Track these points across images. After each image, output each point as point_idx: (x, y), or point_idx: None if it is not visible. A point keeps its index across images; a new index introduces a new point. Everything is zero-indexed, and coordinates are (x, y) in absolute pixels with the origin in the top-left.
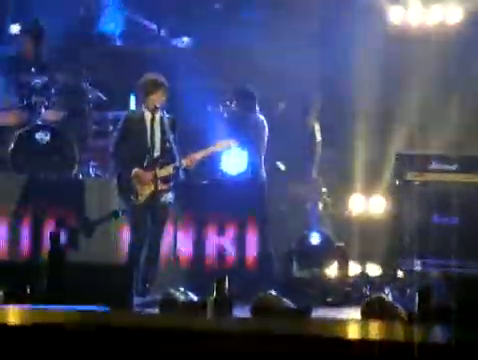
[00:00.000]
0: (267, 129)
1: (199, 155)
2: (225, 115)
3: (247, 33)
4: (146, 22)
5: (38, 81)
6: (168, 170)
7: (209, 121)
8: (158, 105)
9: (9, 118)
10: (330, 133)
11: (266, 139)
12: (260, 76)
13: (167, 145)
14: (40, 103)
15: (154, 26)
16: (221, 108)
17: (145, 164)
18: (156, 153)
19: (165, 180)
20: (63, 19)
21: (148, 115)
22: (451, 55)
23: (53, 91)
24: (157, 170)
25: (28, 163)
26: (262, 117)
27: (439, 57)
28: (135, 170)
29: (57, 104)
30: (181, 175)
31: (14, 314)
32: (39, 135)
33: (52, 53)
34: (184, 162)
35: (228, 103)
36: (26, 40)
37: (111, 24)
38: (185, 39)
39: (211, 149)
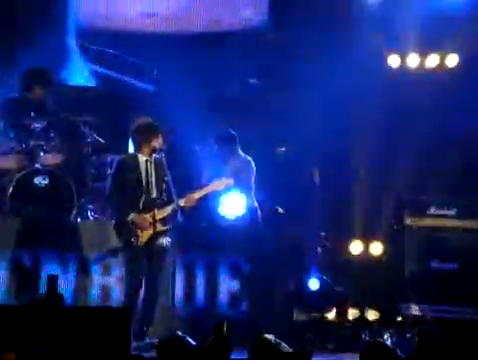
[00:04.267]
0: (254, 169)
1: (197, 194)
2: (210, 158)
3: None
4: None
5: (38, 125)
6: (166, 211)
7: (198, 161)
8: (157, 147)
9: (8, 162)
10: (329, 178)
11: (252, 179)
12: (261, 119)
13: (163, 186)
14: (39, 147)
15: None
16: (207, 149)
17: (142, 206)
18: (153, 195)
19: (163, 222)
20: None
21: (143, 158)
22: (448, 99)
23: (52, 135)
24: (155, 211)
25: (26, 207)
26: (248, 158)
27: (436, 100)
28: (134, 216)
29: (56, 148)
30: (179, 217)
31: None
32: (38, 179)
33: (50, 96)
34: (181, 202)
35: (212, 146)
36: (39, 87)
37: (78, 78)
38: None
39: (209, 188)
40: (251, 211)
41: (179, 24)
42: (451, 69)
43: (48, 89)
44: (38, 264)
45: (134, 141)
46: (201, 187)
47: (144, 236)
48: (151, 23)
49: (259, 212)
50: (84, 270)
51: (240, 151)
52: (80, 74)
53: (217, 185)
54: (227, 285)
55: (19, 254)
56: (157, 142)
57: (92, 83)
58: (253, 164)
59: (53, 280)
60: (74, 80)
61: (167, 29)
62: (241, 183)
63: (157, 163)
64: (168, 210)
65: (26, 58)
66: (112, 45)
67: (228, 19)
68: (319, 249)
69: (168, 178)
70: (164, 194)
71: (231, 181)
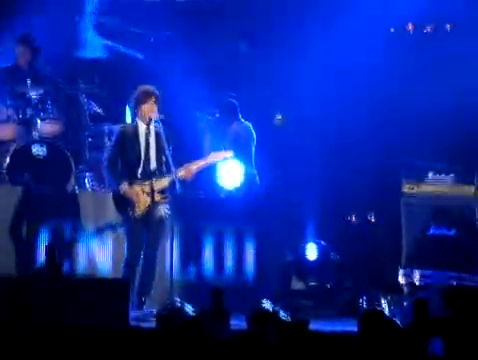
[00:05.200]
0: (254, 135)
1: (196, 165)
2: (210, 125)
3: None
4: (130, 51)
5: (34, 94)
6: (164, 182)
7: (198, 129)
8: (152, 117)
9: (5, 131)
10: (328, 145)
11: (252, 146)
12: (260, 86)
13: (163, 157)
14: (36, 116)
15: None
16: (208, 118)
17: (140, 176)
18: (152, 165)
19: (162, 192)
20: (57, 30)
21: (143, 128)
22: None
23: (49, 104)
24: (153, 182)
25: (24, 176)
26: (247, 123)
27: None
28: (125, 188)
29: (53, 117)
30: (178, 188)
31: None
32: (35, 148)
33: (47, 66)
34: (180, 173)
35: (212, 114)
36: (20, 50)
37: (95, 51)
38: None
39: (207, 160)
40: (250, 179)
41: None
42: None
43: (34, 50)
44: (37, 233)
45: (131, 108)
46: (200, 158)
47: (141, 206)
48: None
49: (258, 180)
50: (82, 240)
51: (241, 118)
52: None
53: (215, 157)
54: (230, 254)
55: (17, 223)
56: (149, 108)
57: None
58: (253, 131)
59: (52, 249)
60: (87, 53)
61: None
62: (241, 150)
63: (157, 134)
64: (166, 181)
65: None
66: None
67: None
68: (318, 215)
69: (167, 149)
70: (163, 165)
71: (229, 153)
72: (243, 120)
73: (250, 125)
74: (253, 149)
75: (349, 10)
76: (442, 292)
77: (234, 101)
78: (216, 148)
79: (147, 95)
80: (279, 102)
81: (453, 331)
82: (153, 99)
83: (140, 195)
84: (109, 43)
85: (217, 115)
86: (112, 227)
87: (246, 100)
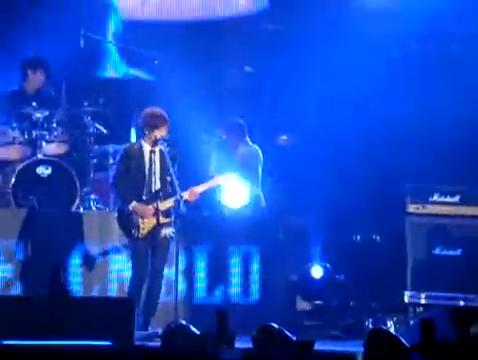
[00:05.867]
0: (261, 158)
1: (201, 188)
2: (217, 147)
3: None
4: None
5: (39, 115)
6: (169, 203)
7: (204, 150)
8: (159, 138)
9: (10, 152)
10: (332, 165)
11: (259, 169)
12: (264, 107)
13: (167, 178)
14: (41, 137)
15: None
16: (215, 138)
17: (145, 197)
18: (156, 186)
19: (166, 213)
20: (63, 52)
21: (147, 148)
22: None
23: (54, 125)
24: (158, 203)
25: (29, 197)
26: (255, 147)
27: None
28: (135, 204)
29: (58, 138)
30: (182, 208)
31: (15, 350)
32: (40, 169)
33: (52, 87)
34: (185, 195)
35: (219, 136)
36: (32, 76)
37: (112, 71)
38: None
39: (212, 182)
40: (256, 200)
41: (172, 12)
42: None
43: (44, 75)
44: (41, 255)
45: (139, 130)
46: (205, 179)
47: (145, 227)
48: (144, 11)
49: (263, 202)
50: (87, 261)
51: (248, 140)
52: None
53: (220, 179)
54: (234, 275)
55: (22, 244)
56: (160, 131)
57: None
58: (261, 154)
59: (57, 270)
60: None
61: (160, 16)
62: (248, 172)
63: (162, 154)
64: (171, 202)
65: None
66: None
67: (223, 7)
68: (322, 236)
69: (172, 170)
70: (167, 186)
71: (234, 175)
72: (250, 142)
73: (258, 148)
74: (260, 171)
75: (352, 31)
76: (448, 312)
77: (241, 122)
78: (223, 170)
79: (163, 121)
80: (283, 123)
81: (460, 352)
82: (166, 124)
83: (148, 214)
84: (117, 64)
85: (223, 136)
86: (117, 248)
87: (250, 120)
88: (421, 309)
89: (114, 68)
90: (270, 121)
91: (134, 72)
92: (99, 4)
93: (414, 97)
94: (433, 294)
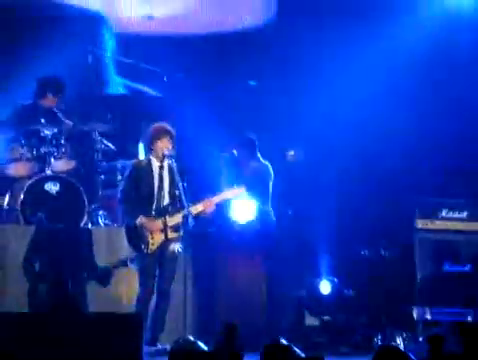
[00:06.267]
0: (272, 174)
1: (215, 200)
2: (228, 163)
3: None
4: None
5: (48, 132)
6: (178, 218)
7: (216, 166)
8: (166, 152)
9: (19, 169)
10: (339, 179)
11: (270, 184)
12: (272, 123)
13: (176, 193)
14: (50, 154)
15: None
16: (225, 155)
17: (154, 212)
18: (165, 201)
19: (175, 228)
20: (71, 68)
21: (156, 163)
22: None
23: (63, 141)
24: (167, 218)
25: (38, 213)
26: (266, 162)
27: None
28: (143, 219)
29: (66, 154)
30: (191, 223)
31: None
32: (48, 185)
33: (61, 104)
34: (199, 207)
35: (230, 151)
36: (50, 97)
37: (109, 88)
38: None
39: (221, 196)
40: (264, 216)
41: (178, 26)
42: None
43: (60, 97)
44: (50, 271)
45: (145, 145)
46: (214, 194)
47: (154, 243)
48: (150, 25)
49: (273, 218)
50: (95, 276)
51: (259, 156)
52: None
53: (228, 194)
54: (241, 290)
55: (31, 261)
56: (164, 145)
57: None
58: (271, 170)
59: (65, 287)
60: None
61: (166, 31)
62: (260, 188)
63: (170, 169)
64: (179, 217)
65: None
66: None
67: (229, 21)
68: (330, 251)
69: (180, 185)
70: (176, 201)
71: (243, 189)
72: (261, 158)
73: (268, 164)
74: (270, 188)
75: (359, 44)
76: (457, 328)
77: (253, 137)
78: (233, 185)
79: (163, 132)
80: (291, 138)
81: None
82: (168, 136)
83: (157, 229)
84: (126, 82)
85: (235, 152)
86: (124, 263)
87: (258, 136)
88: (430, 325)
89: (112, 84)
90: (277, 136)
91: (141, 88)
92: (96, 19)
93: (422, 111)
94: (442, 310)
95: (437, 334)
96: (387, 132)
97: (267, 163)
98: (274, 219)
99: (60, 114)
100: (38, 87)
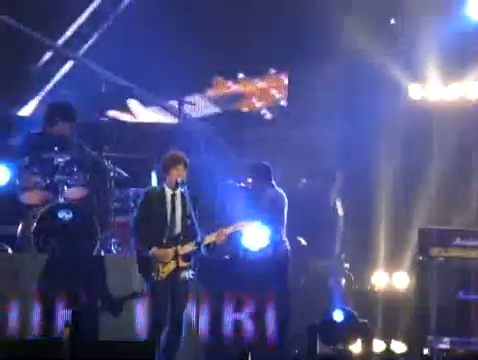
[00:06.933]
0: (286, 202)
1: (228, 231)
2: (243, 191)
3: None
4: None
5: (61, 160)
6: (189, 247)
7: (229, 196)
8: (179, 181)
9: (32, 197)
10: (352, 209)
11: (285, 212)
12: (282, 151)
13: (188, 222)
14: (63, 181)
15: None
16: (240, 184)
17: (165, 241)
18: (177, 230)
19: (186, 257)
20: (84, 96)
21: (169, 191)
22: (471, 130)
23: (75, 169)
24: (178, 247)
25: (51, 241)
26: (280, 191)
27: (459, 131)
28: (154, 249)
29: (79, 182)
30: (203, 252)
31: None
32: (61, 213)
33: (75, 132)
34: (213, 237)
35: (245, 179)
36: (62, 125)
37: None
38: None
39: (237, 226)
40: (278, 244)
41: None
42: (472, 101)
43: (71, 124)
44: (62, 298)
45: (158, 174)
46: (228, 223)
47: (165, 271)
48: None
49: (288, 247)
50: (108, 304)
51: (274, 183)
52: None
53: (246, 224)
54: (253, 318)
55: (44, 289)
56: (178, 173)
57: None
58: (286, 198)
59: (77, 315)
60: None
61: None
62: (275, 215)
63: (183, 197)
64: (191, 246)
65: None
66: None
67: None
68: (343, 281)
69: (193, 214)
70: (188, 229)
71: (257, 223)
72: (276, 186)
73: (283, 191)
74: (285, 216)
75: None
76: (472, 358)
77: (267, 164)
78: (249, 213)
79: (177, 161)
80: (303, 167)
81: None
82: (182, 165)
83: (168, 259)
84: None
85: (250, 180)
86: (136, 295)
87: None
88: (444, 354)
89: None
90: (290, 165)
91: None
92: None
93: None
94: (456, 339)
95: None
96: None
97: (282, 192)
98: (289, 248)
99: (73, 141)
100: (49, 115)
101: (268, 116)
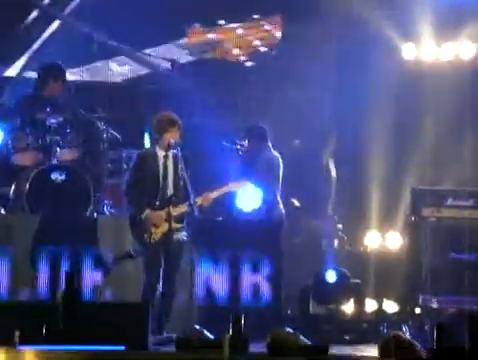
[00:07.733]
0: (281, 165)
1: (214, 194)
2: (239, 153)
3: (264, 72)
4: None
5: (53, 120)
6: (182, 208)
7: (224, 158)
8: (172, 142)
9: (25, 158)
10: (345, 170)
11: (280, 175)
12: (276, 113)
13: (181, 183)
14: (55, 142)
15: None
16: (235, 146)
17: (158, 203)
18: (169, 191)
19: (179, 218)
20: (76, 57)
21: (161, 153)
22: (465, 91)
23: (68, 130)
24: (171, 208)
25: (43, 202)
26: (276, 154)
27: (453, 93)
28: (147, 212)
29: (72, 143)
30: (196, 212)
31: (30, 355)
32: (54, 174)
33: (67, 93)
34: (199, 201)
35: (241, 141)
36: (53, 84)
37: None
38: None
39: (225, 189)
40: (273, 206)
41: None
42: (467, 61)
43: (63, 84)
44: (56, 260)
45: (150, 134)
46: (218, 186)
47: (157, 233)
48: None
49: (282, 209)
50: (101, 265)
51: (270, 145)
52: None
53: (233, 186)
54: (247, 279)
55: (37, 250)
56: (172, 136)
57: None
58: (281, 160)
59: (70, 276)
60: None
61: None
62: (271, 178)
63: (175, 159)
64: (183, 207)
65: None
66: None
67: None
68: (336, 241)
69: (185, 175)
70: (180, 191)
71: (247, 183)
72: (272, 149)
73: (278, 154)
74: (280, 177)
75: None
76: (463, 317)
77: (264, 126)
78: (244, 175)
79: (171, 124)
80: (297, 127)
81: (474, 356)
82: (176, 128)
83: (161, 220)
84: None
85: (246, 141)
86: (129, 255)
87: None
88: (436, 313)
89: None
90: (283, 126)
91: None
92: None
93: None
94: (448, 298)
95: (442, 323)
96: (392, 119)
97: (278, 154)
98: (283, 211)
99: (66, 103)
100: (41, 76)
101: (248, 64)
